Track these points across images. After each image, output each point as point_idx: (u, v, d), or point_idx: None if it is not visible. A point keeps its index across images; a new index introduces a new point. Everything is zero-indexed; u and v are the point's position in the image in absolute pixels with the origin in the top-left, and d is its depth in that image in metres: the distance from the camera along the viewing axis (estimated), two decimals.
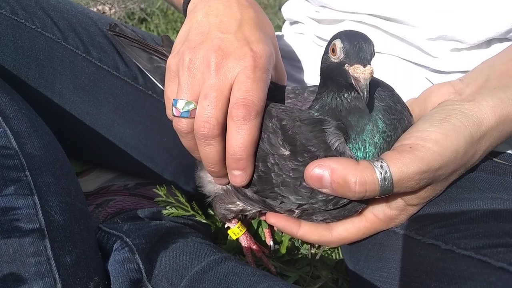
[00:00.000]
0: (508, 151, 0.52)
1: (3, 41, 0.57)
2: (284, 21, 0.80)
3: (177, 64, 0.45)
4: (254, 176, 0.45)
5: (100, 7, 1.83)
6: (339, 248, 0.68)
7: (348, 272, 0.60)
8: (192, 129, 0.44)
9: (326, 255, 0.68)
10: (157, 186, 0.65)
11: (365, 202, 0.44)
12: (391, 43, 0.59)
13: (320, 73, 0.43)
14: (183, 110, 0.43)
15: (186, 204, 0.65)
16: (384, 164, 0.36)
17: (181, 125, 0.44)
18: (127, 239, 0.53)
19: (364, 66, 0.36)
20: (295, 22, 0.73)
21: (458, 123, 0.38)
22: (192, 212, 0.65)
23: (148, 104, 0.69)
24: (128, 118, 0.68)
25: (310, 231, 0.48)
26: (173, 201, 0.64)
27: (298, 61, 0.71)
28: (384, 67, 0.59)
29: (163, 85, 0.50)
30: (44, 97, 0.62)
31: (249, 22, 0.46)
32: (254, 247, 0.62)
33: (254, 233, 0.69)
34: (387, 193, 0.37)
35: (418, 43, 0.55)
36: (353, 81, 0.36)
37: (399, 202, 0.43)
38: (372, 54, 0.38)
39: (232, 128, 0.41)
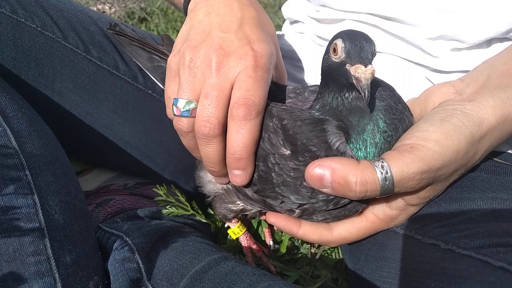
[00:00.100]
0: (509, 151, 0.52)
1: (3, 40, 0.57)
2: (284, 20, 0.80)
3: (178, 63, 0.45)
4: (255, 175, 0.45)
5: (100, 6, 1.82)
6: (339, 247, 0.68)
7: (348, 272, 0.60)
8: (192, 129, 0.44)
9: (326, 254, 0.68)
10: (157, 185, 0.65)
11: (366, 202, 0.44)
12: (392, 42, 0.59)
13: (321, 73, 0.43)
14: (184, 109, 0.43)
15: (186, 203, 0.65)
16: (385, 164, 0.36)
17: (181, 124, 0.44)
18: (127, 239, 0.53)
19: (366, 66, 0.36)
20: (295, 22, 0.73)
21: (459, 123, 0.38)
22: (192, 212, 0.65)
23: (148, 103, 0.69)
24: (128, 117, 0.67)
25: (310, 231, 0.48)
26: (173, 201, 0.64)
27: (299, 60, 0.71)
28: (384, 67, 0.59)
29: (163, 84, 0.50)
30: (44, 96, 0.62)
31: (250, 21, 0.46)
32: (254, 246, 0.62)
33: (254, 233, 0.69)
34: (387, 193, 0.37)
35: (419, 42, 0.55)
36: (354, 81, 0.36)
37: (399, 202, 0.43)
38: (373, 54, 0.38)
39: (233, 128, 0.41)
